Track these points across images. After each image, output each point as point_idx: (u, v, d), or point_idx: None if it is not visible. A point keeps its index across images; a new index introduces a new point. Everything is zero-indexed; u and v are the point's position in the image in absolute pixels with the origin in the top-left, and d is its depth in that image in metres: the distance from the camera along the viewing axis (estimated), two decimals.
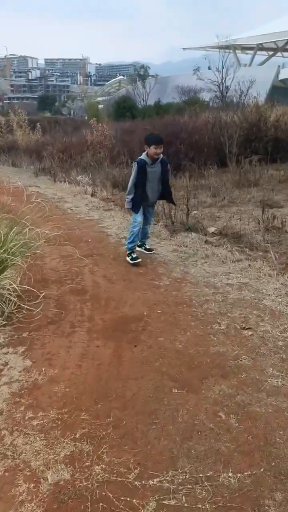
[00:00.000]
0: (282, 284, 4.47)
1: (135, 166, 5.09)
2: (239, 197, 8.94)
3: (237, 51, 46.74)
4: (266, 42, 45.96)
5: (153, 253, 5.63)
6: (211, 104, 26.38)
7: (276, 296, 4.21)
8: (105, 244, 6.18)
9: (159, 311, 4.02)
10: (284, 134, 13.00)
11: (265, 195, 8.48)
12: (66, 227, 7.24)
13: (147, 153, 5.06)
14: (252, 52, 48.04)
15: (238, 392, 2.81)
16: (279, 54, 48.99)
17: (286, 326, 3.64)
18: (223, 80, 26.68)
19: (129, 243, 5.40)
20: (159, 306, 4.12)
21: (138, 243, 5.63)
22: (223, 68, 27.21)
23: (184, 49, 58.36)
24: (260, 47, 47.22)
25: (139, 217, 5.29)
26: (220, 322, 3.75)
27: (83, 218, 7.99)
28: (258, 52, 48.44)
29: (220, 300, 4.19)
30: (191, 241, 6.03)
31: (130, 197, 5.18)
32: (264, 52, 49.45)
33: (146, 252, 5.65)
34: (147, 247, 5.74)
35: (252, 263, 5.14)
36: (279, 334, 3.52)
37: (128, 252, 5.38)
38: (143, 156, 5.10)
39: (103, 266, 5.26)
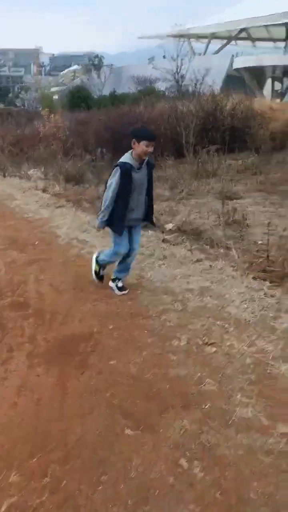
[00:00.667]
0: (246, 287, 4.08)
1: (116, 173, 3.78)
2: (198, 189, 8.56)
3: (191, 40, 46.36)
4: (220, 31, 45.78)
5: (125, 294, 4.12)
6: (167, 93, 25.93)
7: (241, 302, 3.81)
8: (54, 246, 5.62)
9: (111, 326, 3.53)
10: (240, 123, 12.74)
11: (224, 187, 8.12)
12: (12, 228, 6.63)
13: (131, 153, 3.82)
14: (206, 41, 47.82)
15: (202, 429, 2.37)
16: (233, 43, 49.01)
17: (253, 338, 3.24)
18: (178, 69, 26.29)
19: (102, 260, 4.22)
20: (112, 320, 3.64)
21: (112, 276, 4.25)
22: (177, 57, 26.84)
23: (138, 38, 57.46)
24: (214, 36, 47.01)
25: (123, 247, 3.98)
26: (180, 337, 3.31)
27: (31, 217, 7.38)
28: (213, 41, 48.28)
29: (180, 309, 3.75)
30: (148, 240, 5.56)
31: (106, 213, 3.87)
32: (218, 41, 49.35)
33: (117, 292, 4.16)
34: (120, 285, 4.20)
35: (213, 263, 4.73)
36: (246, 349, 3.12)
37: (113, 278, 4.20)
38: (127, 157, 3.82)
39: (50, 273, 4.72)
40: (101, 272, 4.33)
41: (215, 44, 48.24)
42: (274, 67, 38.40)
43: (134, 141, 3.77)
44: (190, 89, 18.93)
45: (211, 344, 3.19)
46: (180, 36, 42.96)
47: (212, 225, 6.20)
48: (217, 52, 46.07)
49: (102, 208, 3.90)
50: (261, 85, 39.72)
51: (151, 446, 2.27)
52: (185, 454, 2.21)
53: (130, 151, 3.84)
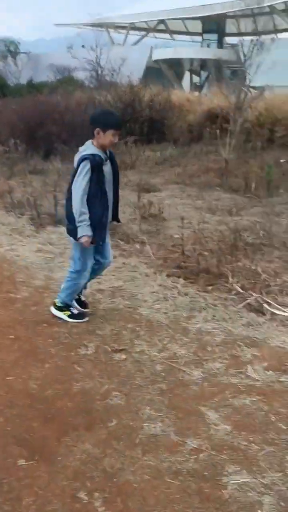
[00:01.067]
0: (159, 285, 3.90)
1: (85, 168, 3.02)
2: None
3: (110, 29, 45.77)
4: (138, 22, 45.66)
5: (90, 312, 3.48)
6: (86, 83, 25.38)
7: (154, 302, 3.63)
8: None
9: (11, 336, 3.18)
10: (158, 114, 12.71)
11: (141, 179, 7.96)
12: None
13: (92, 142, 3.13)
14: (125, 31, 47.51)
15: (106, 452, 2.13)
16: (151, 34, 49.14)
17: (165, 342, 3.06)
18: (97, 59, 25.82)
19: (66, 296, 3.36)
20: (13, 329, 3.28)
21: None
22: (96, 47, 26.32)
23: (56, 25, 55.83)
24: (133, 27, 46.80)
25: (90, 261, 3.28)
26: (87, 345, 3.05)
27: None
28: (132, 32, 48.08)
29: (89, 313, 3.48)
30: (59, 237, 5.22)
31: (86, 217, 3.07)
32: (137, 32, 49.26)
33: (77, 310, 3.45)
34: (82, 298, 3.55)
35: (127, 260, 4.52)
36: (157, 354, 2.92)
37: (58, 305, 3.41)
38: (92, 148, 3.10)
39: None
40: (74, 310, 3.41)
41: (136, 36, 48.11)
42: (192, 60, 39.02)
43: (99, 131, 3.07)
44: (108, 79, 18.61)
45: (120, 350, 2.97)
46: (98, 25, 42.33)
47: (128, 219, 5.99)
48: (135, 43, 45.95)
49: (78, 214, 3.07)
50: (180, 77, 40.23)
51: (47, 480, 1.99)
52: (85, 484, 1.96)
53: (90, 141, 3.16)
